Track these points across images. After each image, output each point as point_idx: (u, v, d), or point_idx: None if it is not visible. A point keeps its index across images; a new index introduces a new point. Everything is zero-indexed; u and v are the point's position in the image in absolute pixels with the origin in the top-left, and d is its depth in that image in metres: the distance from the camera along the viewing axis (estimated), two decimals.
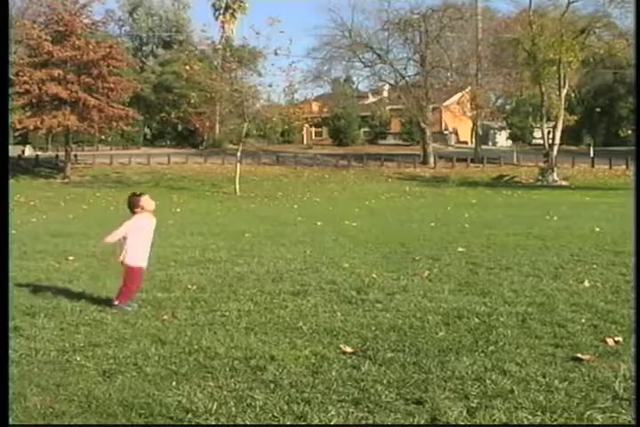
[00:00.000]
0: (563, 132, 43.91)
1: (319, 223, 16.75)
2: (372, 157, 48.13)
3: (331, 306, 6.54)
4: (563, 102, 42.25)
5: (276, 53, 35.75)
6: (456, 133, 64.31)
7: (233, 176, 34.59)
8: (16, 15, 43.67)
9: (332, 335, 5.46)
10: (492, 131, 65.64)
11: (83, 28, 38.88)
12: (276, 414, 3.82)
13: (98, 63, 37.65)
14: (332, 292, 7.29)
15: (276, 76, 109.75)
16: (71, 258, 10.01)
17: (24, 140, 48.85)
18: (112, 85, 38.24)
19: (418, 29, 49.75)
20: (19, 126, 36.89)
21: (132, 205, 6.67)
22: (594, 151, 47.02)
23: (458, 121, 58.99)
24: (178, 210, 23.82)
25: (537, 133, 54.75)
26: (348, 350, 5.02)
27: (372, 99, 63.86)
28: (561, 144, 44.18)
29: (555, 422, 3.71)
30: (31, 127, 37.49)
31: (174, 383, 4.32)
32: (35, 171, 41.19)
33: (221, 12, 63.39)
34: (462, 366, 4.62)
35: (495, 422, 3.71)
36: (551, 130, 43.96)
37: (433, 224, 16.15)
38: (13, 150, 40.34)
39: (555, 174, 40.82)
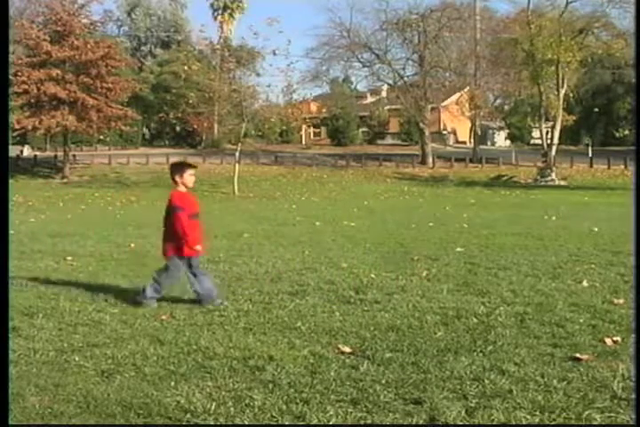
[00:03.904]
0: (561, 132, 43.90)
1: (318, 223, 16.75)
2: (371, 157, 48.13)
3: (329, 306, 6.55)
4: (561, 102, 42.23)
5: (274, 53, 35.77)
6: (454, 133, 64.32)
7: (231, 176, 34.57)
8: (14, 15, 43.62)
9: (330, 335, 5.46)
10: (490, 131, 65.69)
11: (81, 28, 38.81)
12: (274, 414, 3.82)
13: (96, 63, 37.59)
14: (331, 292, 7.30)
15: (275, 76, 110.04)
16: (69, 258, 10.00)
17: (22, 141, 48.78)
18: (110, 85, 38.18)
19: (416, 29, 49.70)
20: (17, 126, 36.81)
21: None
22: (592, 151, 47.04)
23: (456, 121, 58.99)
24: None
25: (535, 133, 54.79)
26: (347, 350, 5.02)
27: (370, 99, 63.93)
28: (559, 144, 44.17)
29: (553, 422, 3.71)
30: (29, 127, 37.44)
31: (173, 383, 4.32)
32: (33, 171, 41.14)
33: (220, 12, 63.42)
34: (461, 365, 4.62)
35: (494, 422, 3.71)
36: (550, 130, 43.97)
37: (431, 224, 16.15)
38: (12, 150, 40.22)
39: (553, 174, 40.81)
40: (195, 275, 6.68)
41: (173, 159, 43.60)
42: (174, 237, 6.59)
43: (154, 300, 6.58)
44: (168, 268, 6.68)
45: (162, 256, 6.85)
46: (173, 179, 6.78)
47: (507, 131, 65.61)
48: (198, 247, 6.66)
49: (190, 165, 7.02)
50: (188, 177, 6.75)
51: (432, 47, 49.27)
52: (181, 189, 6.77)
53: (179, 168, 6.89)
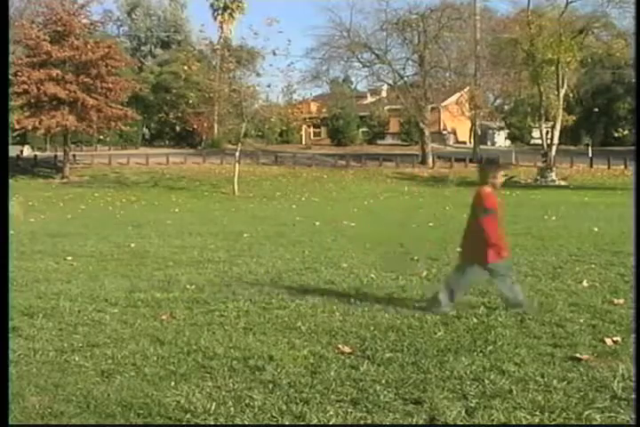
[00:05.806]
0: (561, 132, 43.89)
1: (317, 223, 16.74)
2: (371, 157, 48.10)
3: (329, 306, 6.54)
4: (561, 102, 42.24)
5: (274, 54, 35.76)
6: (455, 133, 64.28)
7: (231, 176, 34.56)
8: (14, 15, 43.59)
9: (330, 335, 5.46)
10: (490, 131, 65.63)
11: (81, 28, 38.84)
12: (274, 414, 3.82)
13: (96, 63, 37.61)
14: (331, 292, 7.29)
15: (275, 76, 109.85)
16: (69, 258, 10.00)
17: (22, 141, 48.77)
18: (110, 85, 38.19)
19: (416, 29, 49.69)
20: (17, 126, 36.83)
21: None
22: (592, 151, 47.03)
23: (456, 121, 58.97)
24: (176, 210, 23.81)
25: (535, 133, 54.76)
26: (347, 350, 5.02)
27: (370, 99, 63.85)
28: (559, 144, 44.15)
29: (553, 422, 3.71)
30: (29, 127, 37.47)
31: (173, 383, 4.32)
32: (33, 171, 41.14)
33: (220, 12, 63.36)
34: (461, 365, 4.62)
35: (494, 422, 3.71)
36: (550, 130, 43.96)
37: (431, 224, 16.15)
38: (12, 150, 40.25)
39: (553, 174, 40.81)
40: (501, 280, 6.35)
41: (174, 159, 43.75)
42: (485, 240, 6.19)
43: (449, 304, 6.25)
44: (479, 272, 6.33)
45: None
46: (485, 176, 6.31)
47: (507, 131, 65.59)
48: (505, 253, 6.31)
49: (504, 167, 6.73)
50: (501, 178, 6.38)
51: (432, 47, 49.24)
52: (488, 188, 6.30)
53: (495, 167, 6.51)
